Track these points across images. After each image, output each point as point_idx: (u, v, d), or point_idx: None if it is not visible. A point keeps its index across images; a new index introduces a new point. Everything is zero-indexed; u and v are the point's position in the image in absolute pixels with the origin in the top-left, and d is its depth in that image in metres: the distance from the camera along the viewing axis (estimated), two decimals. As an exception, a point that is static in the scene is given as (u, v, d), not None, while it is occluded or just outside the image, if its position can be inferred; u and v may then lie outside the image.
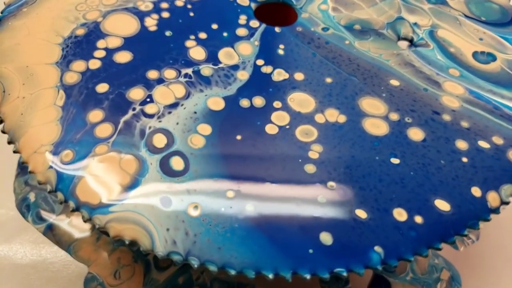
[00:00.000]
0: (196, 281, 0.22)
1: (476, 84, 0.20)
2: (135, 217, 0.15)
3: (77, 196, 0.15)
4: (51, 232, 0.23)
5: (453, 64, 0.20)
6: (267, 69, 0.19)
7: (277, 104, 0.18)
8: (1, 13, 0.21)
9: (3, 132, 0.17)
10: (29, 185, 0.25)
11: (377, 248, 0.15)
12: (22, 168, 0.25)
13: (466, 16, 0.23)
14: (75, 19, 0.21)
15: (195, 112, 0.17)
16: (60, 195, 0.15)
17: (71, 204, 0.15)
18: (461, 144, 0.17)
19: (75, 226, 0.23)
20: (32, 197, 0.24)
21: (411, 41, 0.22)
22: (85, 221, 0.15)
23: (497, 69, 0.21)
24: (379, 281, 0.22)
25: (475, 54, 0.21)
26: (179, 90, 0.18)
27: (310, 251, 0.15)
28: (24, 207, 0.24)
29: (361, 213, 0.15)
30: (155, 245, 0.14)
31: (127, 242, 0.15)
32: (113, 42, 0.20)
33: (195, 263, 0.14)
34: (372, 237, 0.15)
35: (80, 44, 0.19)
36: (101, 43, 0.20)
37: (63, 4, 0.21)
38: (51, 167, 0.16)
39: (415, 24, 0.22)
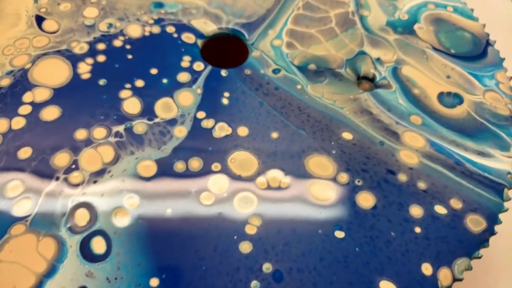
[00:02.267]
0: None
1: (438, 134, 0.18)
2: (46, 315, 0.14)
3: (-15, 289, 0.14)
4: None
5: (416, 109, 0.19)
6: (208, 123, 0.18)
7: (215, 166, 0.17)
8: None
9: None
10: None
11: None
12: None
13: (435, 49, 0.21)
14: (1, 66, 0.19)
15: (123, 181, 0.16)
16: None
17: (-20, 296, 0.14)
18: (416, 211, 0.16)
19: None
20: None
21: (372, 80, 0.20)
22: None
23: (463, 114, 0.19)
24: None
25: (440, 96, 0.19)
26: (107, 153, 0.17)
27: None
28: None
29: (298, 300, 0.14)
30: None
31: None
32: (41, 94, 0.18)
33: None
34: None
35: (4, 98, 0.18)
36: (27, 96, 0.18)
37: (-10, 47, 0.19)
38: (-41, 253, 0.14)
39: (378, 59, 0.20)
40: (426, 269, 0.15)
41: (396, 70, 0.20)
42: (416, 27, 0.22)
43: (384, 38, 0.21)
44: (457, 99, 0.19)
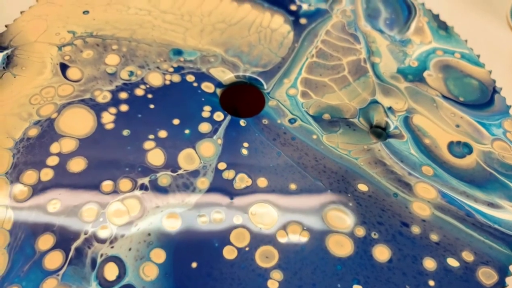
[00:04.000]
0: None
1: (449, 185, 0.19)
2: None
3: None
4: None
5: (427, 160, 0.19)
6: (229, 175, 0.18)
7: (237, 219, 0.17)
8: (-48, 106, 0.20)
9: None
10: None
11: None
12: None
13: (444, 97, 0.22)
14: (28, 115, 0.19)
15: (149, 234, 0.17)
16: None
17: None
18: (429, 263, 0.17)
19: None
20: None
21: (384, 129, 0.21)
22: None
23: (473, 164, 0.20)
24: None
25: (450, 146, 0.20)
26: (133, 206, 0.17)
27: None
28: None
29: None
30: None
31: None
32: (68, 145, 0.19)
33: None
34: None
35: (33, 149, 0.18)
36: (54, 147, 0.19)
37: (17, 96, 0.20)
38: (-5, 308, 0.15)
39: (390, 108, 0.21)
40: (441, 323, 0.16)
41: (407, 119, 0.21)
42: (425, 74, 0.23)
43: (395, 86, 0.22)
44: (467, 149, 0.20)
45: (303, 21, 0.24)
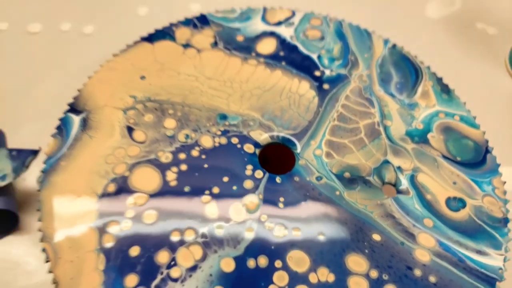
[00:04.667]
0: None
1: (446, 235, 0.23)
2: None
3: None
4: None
5: (428, 213, 0.24)
6: (269, 226, 0.23)
7: (278, 263, 0.22)
8: (44, 163, 0.25)
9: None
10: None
11: None
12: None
13: (444, 157, 0.26)
14: (106, 173, 0.24)
15: (211, 275, 0.21)
16: None
17: None
18: (429, 301, 0.21)
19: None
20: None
21: (394, 185, 0.25)
22: None
23: (465, 217, 0.24)
24: None
25: (448, 201, 0.25)
26: (197, 252, 0.22)
27: None
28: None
29: None
30: None
31: None
32: (140, 200, 0.23)
33: None
34: None
35: (112, 203, 0.23)
36: (130, 201, 0.23)
37: (95, 156, 0.25)
38: (97, 334, 0.20)
39: (399, 168, 0.26)
40: None
41: (413, 177, 0.25)
42: (429, 136, 0.27)
43: (404, 147, 0.26)
44: (461, 204, 0.25)
45: (326, 86, 0.29)
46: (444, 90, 0.30)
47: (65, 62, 0.41)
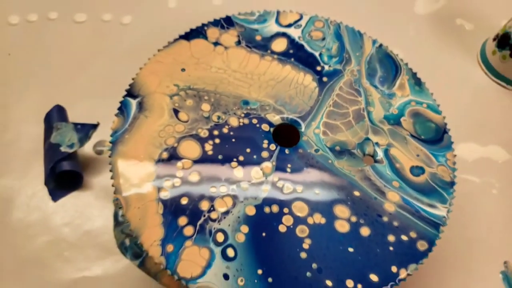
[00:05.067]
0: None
1: (408, 193, 0.32)
2: (210, 286, 0.28)
3: (178, 273, 0.28)
4: (143, 265, 0.37)
5: (396, 177, 0.33)
6: (280, 184, 0.32)
7: (285, 210, 0.31)
8: (111, 136, 0.33)
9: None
10: (124, 233, 0.38)
11: (336, 303, 0.28)
12: (117, 221, 0.39)
13: (412, 135, 0.35)
14: (160, 144, 0.33)
15: (239, 217, 0.30)
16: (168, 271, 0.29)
17: (175, 276, 0.29)
18: (391, 238, 0.30)
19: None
20: (127, 241, 0.38)
21: (372, 156, 0.34)
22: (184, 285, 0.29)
23: (423, 180, 0.33)
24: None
25: (411, 169, 0.33)
26: (229, 201, 0.31)
27: (301, 304, 0.28)
28: (123, 248, 0.37)
29: (329, 282, 0.29)
30: (221, 301, 0.28)
31: (206, 299, 0.28)
32: (187, 164, 0.32)
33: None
34: (334, 297, 0.28)
35: (166, 166, 0.32)
36: (179, 165, 0.32)
37: (150, 131, 0.33)
38: (162, 254, 0.29)
39: (377, 143, 0.34)
40: (394, 269, 0.29)
41: (387, 151, 0.34)
42: (402, 119, 0.35)
43: (381, 128, 0.35)
44: (421, 171, 0.33)
45: (324, 79, 0.37)
46: (417, 83, 0.38)
47: (107, 48, 0.49)
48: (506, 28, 0.47)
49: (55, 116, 0.42)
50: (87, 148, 0.42)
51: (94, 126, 0.40)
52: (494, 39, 0.49)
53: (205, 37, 0.38)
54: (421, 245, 0.30)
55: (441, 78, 0.48)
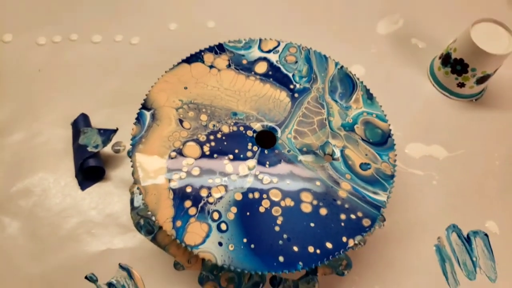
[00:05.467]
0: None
1: (357, 183, 0.43)
2: (208, 251, 0.38)
3: (184, 242, 0.39)
4: (155, 240, 0.47)
5: (349, 171, 0.43)
6: (261, 177, 0.42)
7: (264, 196, 0.41)
8: (131, 140, 0.43)
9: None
10: (139, 215, 0.48)
11: (300, 263, 0.39)
12: (133, 205, 0.49)
13: (362, 139, 0.45)
14: (169, 146, 0.43)
15: (229, 201, 0.41)
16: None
17: (182, 244, 0.39)
18: (343, 216, 0.41)
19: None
20: (142, 221, 0.48)
21: (331, 155, 0.44)
22: (188, 252, 0.39)
23: (370, 173, 0.43)
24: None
25: (361, 165, 0.44)
26: (222, 189, 0.41)
27: (280, 259, 0.38)
28: (139, 227, 0.48)
29: (295, 248, 0.39)
30: (217, 261, 0.38)
31: (206, 260, 0.38)
32: (189, 162, 0.42)
33: (230, 267, 0.38)
34: (300, 259, 0.39)
35: (174, 163, 0.42)
36: (184, 162, 0.42)
37: (161, 136, 0.43)
38: (173, 228, 0.39)
39: (335, 145, 0.45)
40: (344, 239, 0.40)
41: (342, 151, 0.44)
42: (355, 127, 0.46)
43: (339, 133, 0.45)
44: (369, 166, 0.44)
45: (296, 95, 0.47)
46: (369, 97, 0.48)
47: (120, 64, 0.59)
48: (448, 49, 0.58)
49: (81, 122, 0.52)
50: (107, 148, 0.52)
51: (114, 131, 0.50)
52: (439, 57, 0.60)
53: (202, 61, 0.49)
54: (366, 222, 0.41)
55: (396, 89, 0.58)
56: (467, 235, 0.52)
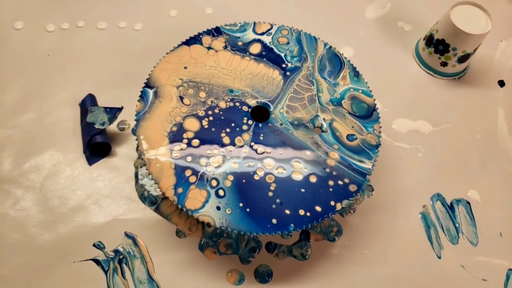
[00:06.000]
0: (222, 231, 0.50)
1: (344, 153, 0.46)
2: (207, 215, 0.42)
3: (185, 206, 0.42)
4: (158, 210, 0.51)
5: (337, 142, 0.47)
6: (256, 147, 0.46)
7: (259, 165, 0.45)
8: (136, 116, 0.47)
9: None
10: (143, 188, 0.52)
11: (292, 225, 0.42)
12: (137, 178, 0.52)
13: (349, 113, 0.49)
14: (170, 121, 0.46)
15: (226, 170, 0.44)
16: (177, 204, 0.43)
17: (183, 210, 0.42)
18: (331, 183, 0.44)
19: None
20: (146, 193, 0.52)
21: (320, 128, 0.48)
22: (189, 220, 0.43)
23: (356, 144, 0.47)
24: (304, 231, 0.50)
25: (347, 136, 0.47)
26: (220, 159, 0.45)
27: (274, 221, 0.42)
28: (143, 198, 0.51)
29: (287, 211, 0.43)
30: (215, 224, 0.42)
31: (206, 223, 0.42)
32: (190, 134, 0.46)
33: (229, 229, 0.42)
34: (292, 221, 0.42)
35: (175, 136, 0.46)
36: (185, 135, 0.46)
37: (163, 111, 0.47)
38: (175, 194, 0.43)
39: (324, 119, 0.48)
40: (332, 203, 0.44)
41: (331, 124, 0.48)
42: (342, 102, 0.49)
43: (327, 108, 0.49)
44: (355, 137, 0.47)
45: (288, 73, 0.51)
46: (356, 74, 0.52)
47: (124, 48, 0.62)
48: (431, 31, 0.61)
49: (88, 102, 0.55)
50: (113, 126, 0.56)
51: (119, 109, 0.54)
52: (424, 39, 0.63)
53: (200, 43, 0.52)
54: (352, 188, 0.45)
55: (384, 69, 0.62)
56: (451, 203, 0.56)
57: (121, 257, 0.50)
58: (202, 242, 0.50)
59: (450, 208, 0.55)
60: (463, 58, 0.60)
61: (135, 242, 0.51)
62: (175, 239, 0.51)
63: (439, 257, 0.52)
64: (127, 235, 0.51)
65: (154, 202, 0.52)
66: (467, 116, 0.61)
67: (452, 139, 0.59)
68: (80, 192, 0.52)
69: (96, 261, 0.49)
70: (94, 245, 0.50)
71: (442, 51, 0.59)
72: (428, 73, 0.63)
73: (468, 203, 0.56)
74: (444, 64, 0.61)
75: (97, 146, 0.54)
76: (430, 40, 0.61)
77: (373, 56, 0.63)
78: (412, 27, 0.67)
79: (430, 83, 0.62)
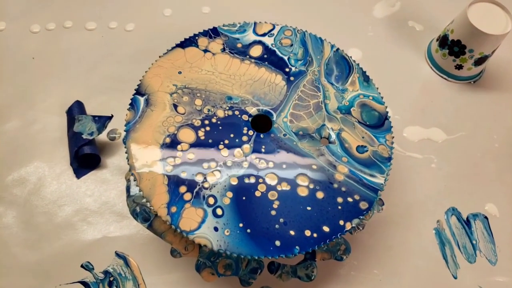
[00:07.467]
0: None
1: (354, 166, 0.42)
2: (204, 236, 0.38)
3: (180, 227, 0.38)
4: (151, 227, 0.47)
5: (345, 154, 0.43)
6: (256, 161, 0.42)
7: (260, 180, 0.41)
8: (125, 126, 0.43)
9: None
10: (135, 203, 0.48)
11: (297, 247, 0.38)
12: (129, 192, 0.48)
13: (359, 122, 0.45)
14: (163, 132, 0.42)
15: (225, 186, 0.40)
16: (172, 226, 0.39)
17: (177, 230, 0.38)
18: (340, 200, 0.40)
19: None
20: (138, 209, 0.48)
21: (327, 138, 0.44)
22: (185, 239, 0.39)
23: (367, 156, 0.43)
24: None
25: (357, 147, 0.43)
26: (217, 174, 0.41)
27: (277, 243, 0.38)
28: (135, 214, 0.47)
29: (292, 232, 0.39)
30: (212, 246, 0.38)
31: (202, 245, 0.38)
32: (185, 146, 0.42)
33: (226, 252, 0.38)
34: (297, 243, 0.38)
35: (169, 148, 0.42)
36: (179, 147, 0.42)
37: (155, 121, 0.43)
38: (168, 214, 0.39)
39: (331, 128, 0.44)
40: (341, 222, 0.40)
41: (339, 134, 0.44)
42: (352, 109, 0.45)
43: (335, 116, 0.45)
44: (365, 149, 0.43)
45: (292, 78, 0.47)
46: (366, 79, 0.47)
47: (114, 51, 0.58)
48: (445, 31, 0.57)
49: (76, 110, 0.51)
50: (103, 136, 0.52)
51: (109, 118, 0.50)
52: (437, 40, 0.59)
53: (196, 45, 0.48)
54: (363, 205, 0.41)
55: (393, 72, 0.58)
56: (467, 218, 0.52)
57: (111, 279, 0.46)
58: (199, 262, 0.46)
59: (467, 224, 0.51)
60: (480, 61, 0.56)
61: (126, 262, 0.47)
62: (170, 259, 0.47)
63: (455, 277, 0.48)
64: (117, 254, 0.47)
65: (147, 218, 0.48)
66: (484, 123, 0.57)
67: (468, 148, 0.55)
68: (67, 208, 0.48)
69: (84, 283, 0.45)
70: (82, 265, 0.46)
71: (457, 53, 0.55)
72: (442, 76, 0.59)
73: (486, 218, 0.52)
74: (459, 67, 0.57)
75: (85, 158, 0.50)
76: (444, 41, 0.57)
77: (382, 58, 0.59)
78: (424, 26, 0.62)
79: (444, 88, 0.58)
